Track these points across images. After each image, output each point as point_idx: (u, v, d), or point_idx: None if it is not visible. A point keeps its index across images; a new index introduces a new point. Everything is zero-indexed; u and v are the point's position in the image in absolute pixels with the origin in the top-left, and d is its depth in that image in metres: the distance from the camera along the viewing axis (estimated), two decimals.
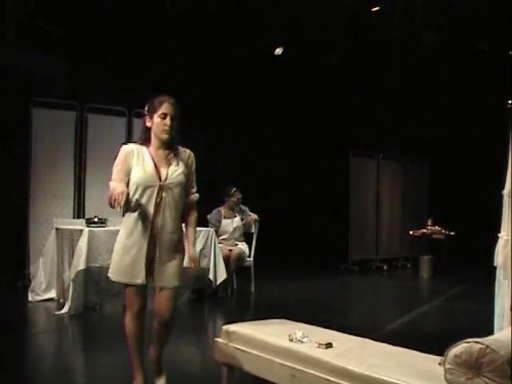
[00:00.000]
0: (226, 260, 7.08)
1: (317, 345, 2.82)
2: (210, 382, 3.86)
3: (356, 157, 10.75)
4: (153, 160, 3.41)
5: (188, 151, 3.56)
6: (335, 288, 8.47)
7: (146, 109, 3.47)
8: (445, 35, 8.14)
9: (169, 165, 3.42)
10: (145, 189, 3.35)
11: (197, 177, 3.63)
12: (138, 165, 3.39)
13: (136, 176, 3.37)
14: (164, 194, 3.35)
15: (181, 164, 3.45)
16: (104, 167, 8.20)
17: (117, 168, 3.46)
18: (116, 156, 3.52)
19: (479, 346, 2.02)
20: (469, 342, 2.05)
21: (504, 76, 6.78)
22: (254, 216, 7.63)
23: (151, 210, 3.35)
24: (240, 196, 7.58)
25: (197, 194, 3.56)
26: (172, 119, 3.42)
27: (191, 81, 8.88)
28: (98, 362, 4.46)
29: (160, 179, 3.36)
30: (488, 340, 2.06)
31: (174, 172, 3.40)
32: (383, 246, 11.11)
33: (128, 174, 3.40)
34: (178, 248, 3.46)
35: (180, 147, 3.53)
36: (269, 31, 8.38)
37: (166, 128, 3.40)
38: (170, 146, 3.46)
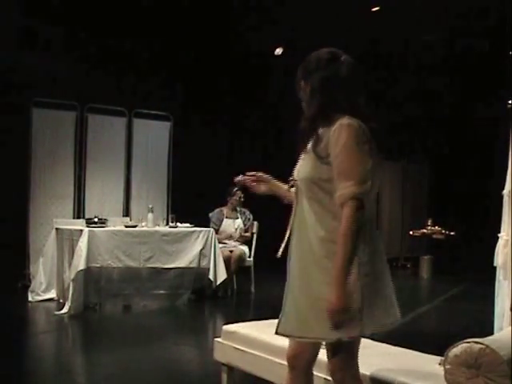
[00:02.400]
0: (227, 261, 7.08)
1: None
2: (210, 382, 3.87)
3: None
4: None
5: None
6: None
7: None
8: (445, 35, 8.16)
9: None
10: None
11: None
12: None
13: None
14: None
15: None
16: (104, 167, 8.24)
17: None
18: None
19: (479, 346, 2.01)
20: (469, 342, 2.05)
21: (504, 76, 6.78)
22: (248, 234, 7.63)
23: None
24: (242, 195, 7.58)
25: (345, 191, 2.07)
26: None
27: (191, 81, 8.88)
28: (98, 362, 4.46)
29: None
30: (488, 340, 2.06)
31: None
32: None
33: None
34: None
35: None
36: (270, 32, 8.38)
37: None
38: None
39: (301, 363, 2.32)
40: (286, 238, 2.35)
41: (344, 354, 2.18)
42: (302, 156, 2.27)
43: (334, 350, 2.18)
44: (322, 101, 2.19)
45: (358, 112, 2.16)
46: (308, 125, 2.22)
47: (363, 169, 2.07)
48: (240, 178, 2.62)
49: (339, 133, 2.09)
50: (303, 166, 2.23)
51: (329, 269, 2.07)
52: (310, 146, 2.22)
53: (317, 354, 2.30)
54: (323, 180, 2.14)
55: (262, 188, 2.59)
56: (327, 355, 2.23)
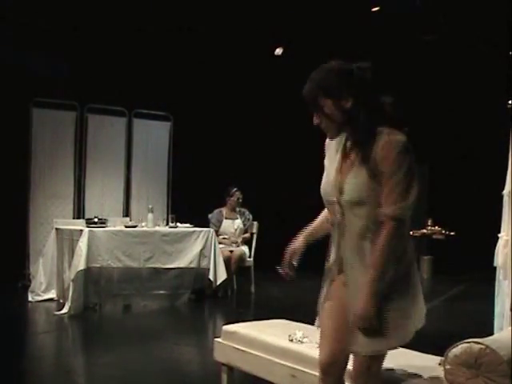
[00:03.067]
0: (227, 261, 7.08)
1: (317, 345, 2.82)
2: (210, 382, 3.86)
3: None
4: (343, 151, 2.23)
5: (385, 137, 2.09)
6: None
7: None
8: (445, 35, 8.15)
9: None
10: (328, 204, 2.29)
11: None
12: (327, 167, 2.32)
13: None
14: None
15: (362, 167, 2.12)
16: (104, 167, 8.24)
17: None
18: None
19: (479, 346, 2.02)
20: (469, 343, 2.05)
21: (504, 76, 6.78)
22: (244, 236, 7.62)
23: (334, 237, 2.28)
24: (240, 196, 7.59)
25: (394, 211, 2.06)
26: None
27: (191, 81, 8.88)
28: (98, 362, 4.46)
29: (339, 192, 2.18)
30: (488, 340, 2.06)
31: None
32: None
33: None
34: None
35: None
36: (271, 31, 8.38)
37: None
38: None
39: (336, 370, 2.31)
40: (333, 255, 2.30)
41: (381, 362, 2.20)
42: (334, 171, 2.21)
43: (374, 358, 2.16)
44: (361, 112, 2.12)
45: (393, 119, 2.15)
46: (353, 140, 2.16)
47: (414, 191, 2.07)
48: (282, 269, 2.53)
49: (391, 149, 2.06)
50: (351, 185, 2.13)
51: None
52: (350, 161, 2.16)
53: (348, 360, 2.29)
54: (372, 196, 2.10)
55: (301, 248, 2.52)
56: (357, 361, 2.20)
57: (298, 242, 2.48)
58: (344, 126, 2.16)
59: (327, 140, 2.31)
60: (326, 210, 2.38)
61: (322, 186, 2.29)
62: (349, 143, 2.19)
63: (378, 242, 2.05)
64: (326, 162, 2.31)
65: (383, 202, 2.06)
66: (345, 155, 2.20)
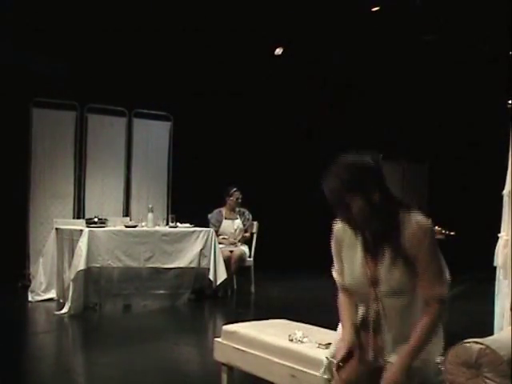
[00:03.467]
0: (228, 261, 7.08)
1: (317, 345, 2.82)
2: (210, 382, 3.86)
3: None
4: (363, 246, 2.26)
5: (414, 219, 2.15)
6: (335, 288, 8.43)
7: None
8: (445, 35, 8.15)
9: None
10: (358, 295, 2.30)
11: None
12: (347, 256, 2.32)
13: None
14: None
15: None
16: (104, 167, 8.24)
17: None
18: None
19: (479, 346, 2.02)
20: (468, 343, 2.05)
21: (504, 76, 6.78)
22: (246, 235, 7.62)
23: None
24: (240, 196, 7.58)
25: (437, 293, 2.15)
26: None
27: (191, 80, 8.88)
28: (98, 362, 4.46)
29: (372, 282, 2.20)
30: (488, 340, 2.06)
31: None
32: None
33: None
34: None
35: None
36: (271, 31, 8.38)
37: None
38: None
39: None
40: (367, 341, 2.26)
41: None
42: (359, 264, 2.22)
43: None
44: (385, 202, 2.16)
45: (408, 203, 2.21)
46: (380, 232, 2.18)
47: (447, 270, 2.17)
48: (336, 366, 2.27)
49: (423, 236, 2.12)
50: (387, 276, 2.16)
51: None
52: (377, 252, 2.19)
53: None
54: (409, 284, 2.15)
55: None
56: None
57: (349, 335, 2.27)
58: (371, 218, 2.17)
59: (337, 227, 2.32)
60: (343, 299, 2.37)
61: (347, 280, 2.30)
62: (368, 234, 2.21)
63: (424, 321, 2.11)
64: (346, 252, 2.30)
65: (425, 286, 2.12)
66: (367, 246, 2.23)
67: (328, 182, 2.17)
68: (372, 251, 2.20)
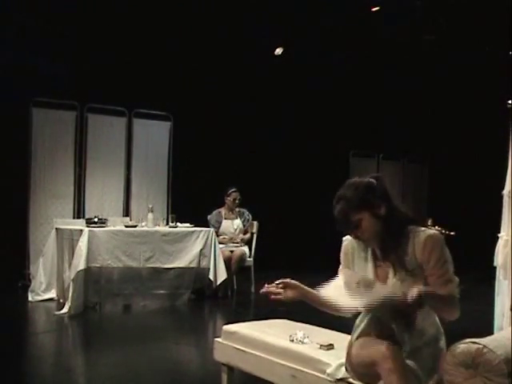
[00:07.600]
0: (228, 261, 7.07)
1: (318, 346, 2.82)
2: (210, 382, 3.86)
3: (356, 157, 10.76)
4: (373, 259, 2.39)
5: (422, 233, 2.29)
6: None
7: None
8: (445, 35, 8.15)
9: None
10: None
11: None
12: (358, 268, 2.43)
13: None
14: None
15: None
16: (104, 167, 8.24)
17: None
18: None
19: (476, 346, 2.01)
20: (467, 343, 2.05)
21: (504, 76, 6.77)
22: (245, 237, 7.61)
23: None
24: (238, 197, 7.56)
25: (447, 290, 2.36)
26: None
27: (191, 80, 8.88)
28: (98, 362, 4.46)
29: None
30: (485, 340, 2.06)
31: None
32: None
33: None
34: None
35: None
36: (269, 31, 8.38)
37: None
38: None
39: None
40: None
41: None
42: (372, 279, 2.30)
43: None
44: (393, 215, 2.29)
45: (416, 217, 2.36)
46: (389, 245, 2.28)
47: (456, 278, 2.36)
48: (265, 289, 2.52)
49: (435, 244, 2.24)
50: (396, 286, 2.24)
51: None
52: (387, 266, 2.29)
53: None
54: None
55: (290, 294, 2.54)
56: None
57: (296, 286, 2.53)
58: (379, 232, 2.28)
59: (347, 241, 2.44)
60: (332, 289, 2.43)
61: None
62: (378, 247, 2.33)
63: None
64: (357, 263, 2.41)
65: (436, 285, 2.26)
66: (377, 258, 2.35)
67: (336, 206, 2.29)
68: (382, 263, 2.32)
